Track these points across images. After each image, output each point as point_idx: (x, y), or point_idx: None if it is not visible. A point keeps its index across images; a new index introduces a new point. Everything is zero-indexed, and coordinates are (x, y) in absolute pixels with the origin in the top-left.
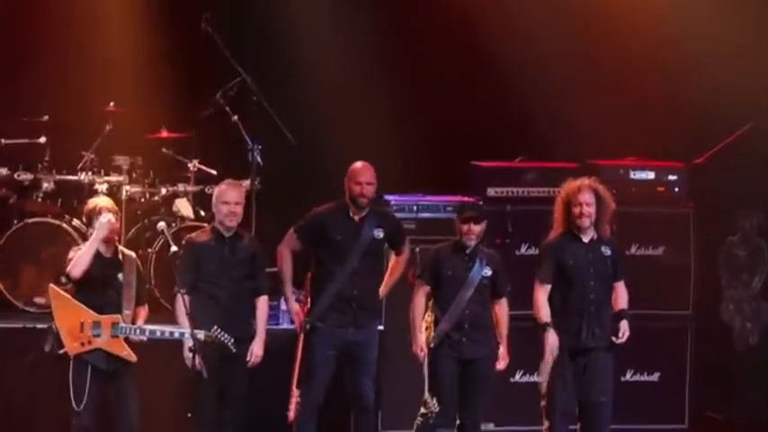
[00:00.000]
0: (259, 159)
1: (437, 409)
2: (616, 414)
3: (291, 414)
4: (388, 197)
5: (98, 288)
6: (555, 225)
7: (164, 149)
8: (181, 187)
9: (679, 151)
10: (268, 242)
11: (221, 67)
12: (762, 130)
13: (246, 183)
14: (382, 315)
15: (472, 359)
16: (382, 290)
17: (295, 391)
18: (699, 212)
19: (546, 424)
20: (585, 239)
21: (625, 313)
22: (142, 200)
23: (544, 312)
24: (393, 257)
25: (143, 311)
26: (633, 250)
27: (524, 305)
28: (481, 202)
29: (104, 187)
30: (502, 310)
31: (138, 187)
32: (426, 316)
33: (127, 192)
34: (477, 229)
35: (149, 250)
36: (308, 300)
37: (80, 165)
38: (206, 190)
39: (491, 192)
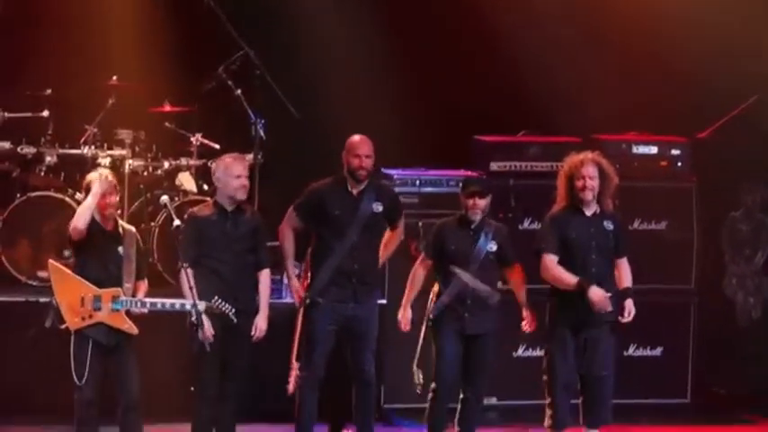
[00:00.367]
0: (262, 133)
1: (421, 383)
2: (619, 388)
3: (291, 387)
4: (390, 171)
5: (98, 262)
6: (558, 199)
7: (166, 123)
8: (184, 161)
9: (682, 126)
10: (270, 216)
11: (224, 41)
12: (766, 103)
13: (249, 157)
14: (384, 289)
15: (475, 334)
16: (383, 256)
17: (294, 364)
18: (702, 187)
19: (548, 398)
20: (588, 213)
21: (630, 291)
22: (145, 174)
23: (568, 276)
24: (387, 232)
25: (143, 286)
26: (636, 225)
27: (527, 280)
28: (484, 177)
29: (107, 161)
30: (515, 275)
31: (141, 161)
32: (434, 288)
33: (130, 166)
34: (483, 203)
35: (152, 224)
36: (308, 275)
37: (83, 138)
38: (209, 164)
39: (494, 166)
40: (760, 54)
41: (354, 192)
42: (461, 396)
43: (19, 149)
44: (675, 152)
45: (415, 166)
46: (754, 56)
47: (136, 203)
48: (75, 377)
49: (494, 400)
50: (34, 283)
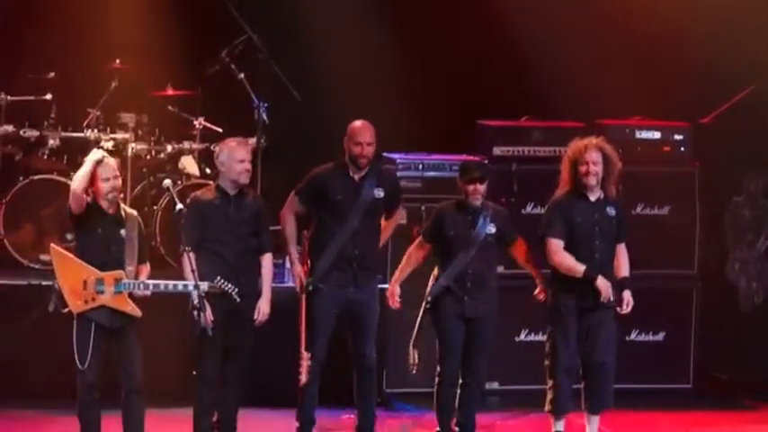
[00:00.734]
0: (265, 117)
1: (416, 362)
2: (621, 374)
3: (304, 378)
4: (393, 155)
5: (100, 245)
6: (561, 183)
7: (169, 107)
8: (186, 145)
9: (685, 111)
10: (273, 200)
11: (227, 25)
12: None
13: (252, 140)
14: (387, 274)
15: (474, 317)
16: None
17: (305, 354)
18: (704, 172)
19: (549, 382)
20: (592, 198)
21: (627, 282)
22: (148, 157)
23: (575, 263)
24: (383, 220)
25: (145, 269)
26: (639, 210)
27: None
28: (487, 161)
29: (110, 144)
30: (520, 250)
31: (144, 145)
32: (435, 270)
33: (132, 149)
34: (483, 188)
35: (155, 208)
36: (307, 260)
37: (86, 122)
38: (212, 147)
39: (497, 151)
40: (764, 40)
41: (356, 177)
42: (461, 381)
43: (22, 133)
44: (678, 137)
45: (418, 150)
46: (758, 41)
47: (138, 187)
48: (77, 361)
49: (495, 385)
50: (37, 267)
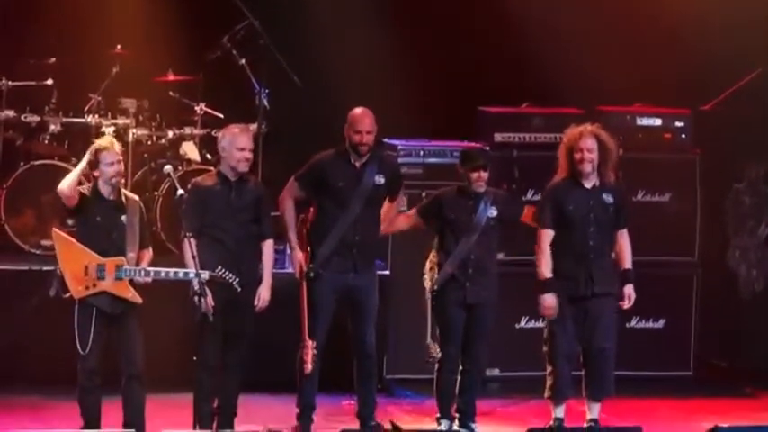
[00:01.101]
0: (266, 103)
1: (439, 356)
2: (621, 360)
3: (309, 365)
4: (394, 142)
5: (101, 231)
6: (558, 170)
7: (170, 92)
8: (187, 130)
9: (686, 98)
10: (274, 186)
11: (228, 11)
12: None
13: (253, 126)
14: (387, 260)
15: (475, 303)
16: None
17: (309, 342)
18: (705, 159)
19: (548, 368)
20: (588, 185)
21: (629, 275)
22: (149, 143)
23: (545, 266)
24: (386, 203)
25: (147, 255)
26: (639, 197)
27: (529, 251)
28: (488, 148)
29: (111, 130)
30: (527, 217)
31: (145, 130)
32: (431, 256)
33: (133, 135)
34: (486, 175)
35: (156, 193)
36: (307, 246)
37: (87, 107)
38: (213, 133)
39: (498, 137)
40: (764, 27)
41: (357, 164)
42: (461, 368)
43: (23, 118)
44: (679, 124)
45: (419, 136)
46: (759, 28)
47: (139, 173)
48: (78, 346)
49: (496, 372)
50: (38, 252)
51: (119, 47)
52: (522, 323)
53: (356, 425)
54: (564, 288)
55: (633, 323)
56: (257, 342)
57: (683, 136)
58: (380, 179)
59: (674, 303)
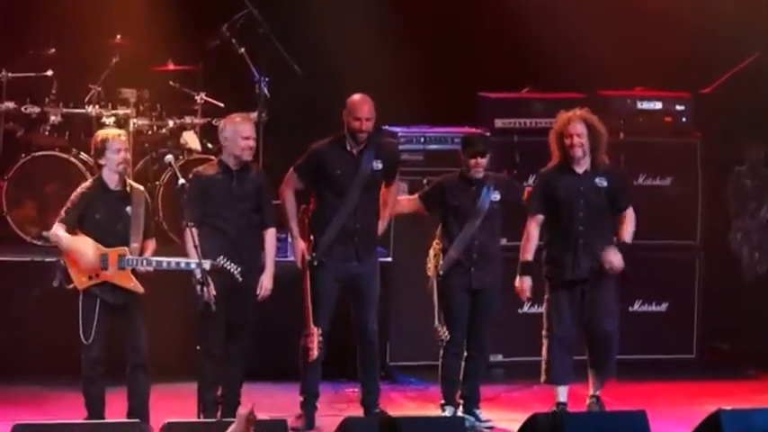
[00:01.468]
0: (266, 91)
1: (447, 338)
2: (624, 344)
3: (315, 352)
4: (395, 129)
5: (105, 222)
6: (553, 157)
7: (171, 82)
8: (188, 120)
9: (686, 81)
10: (275, 174)
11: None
12: None
13: (254, 115)
14: (390, 247)
15: (480, 288)
16: (381, 225)
17: (315, 330)
18: (706, 142)
19: (544, 352)
20: (579, 170)
21: (623, 246)
22: (149, 132)
23: (527, 250)
24: (383, 188)
25: (151, 245)
26: (641, 180)
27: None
28: (489, 134)
29: (111, 120)
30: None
31: (146, 120)
32: (435, 244)
33: (134, 124)
34: (485, 161)
35: (157, 183)
36: (309, 235)
37: (87, 98)
38: (213, 122)
39: (498, 123)
40: (764, 9)
41: (354, 151)
42: (466, 354)
43: (23, 109)
44: (680, 108)
45: (420, 123)
46: (759, 11)
47: (140, 162)
48: (82, 336)
49: (499, 357)
50: (39, 243)
51: (118, 37)
52: (525, 308)
53: (360, 412)
54: (554, 273)
55: (636, 307)
56: (260, 330)
57: (684, 119)
58: (378, 165)
59: (676, 287)
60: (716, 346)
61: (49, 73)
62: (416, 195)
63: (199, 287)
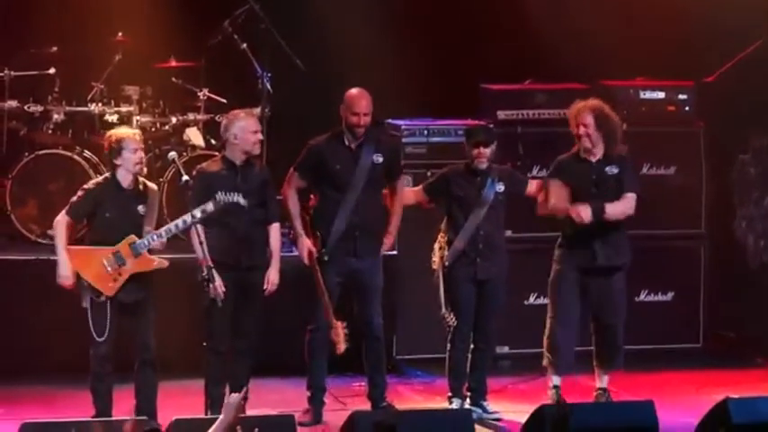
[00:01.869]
0: (269, 87)
1: (455, 323)
2: (631, 334)
3: (342, 345)
4: (398, 122)
5: (116, 220)
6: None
7: (173, 79)
8: (191, 116)
9: (689, 70)
10: (278, 169)
11: None
12: None
13: (257, 110)
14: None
15: (485, 279)
16: (395, 221)
17: (339, 323)
18: (710, 131)
19: (546, 341)
20: (593, 159)
21: (599, 207)
22: (153, 129)
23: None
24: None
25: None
26: (645, 170)
27: (537, 228)
28: (492, 125)
29: (115, 118)
30: (535, 188)
31: (149, 117)
32: (440, 237)
33: (137, 122)
34: (488, 151)
35: (161, 180)
36: (317, 232)
37: (90, 95)
38: (216, 118)
39: (501, 115)
40: None
41: (353, 146)
42: (472, 346)
43: (26, 108)
44: (683, 97)
45: (423, 115)
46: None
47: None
48: (93, 333)
49: (506, 349)
50: (45, 242)
51: (120, 34)
52: (531, 300)
53: (367, 406)
54: (564, 258)
55: (642, 297)
56: (266, 326)
57: (687, 108)
58: (379, 158)
59: (681, 276)
60: (722, 334)
61: (52, 71)
62: (420, 186)
63: (205, 284)
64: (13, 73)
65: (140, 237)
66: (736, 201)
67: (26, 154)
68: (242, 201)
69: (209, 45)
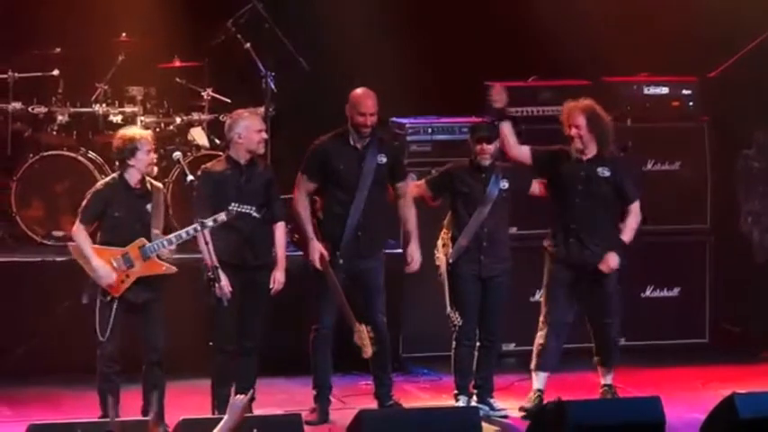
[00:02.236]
0: (273, 86)
1: (460, 323)
2: (637, 330)
3: (369, 349)
4: (402, 120)
5: (125, 219)
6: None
7: (177, 79)
8: (195, 116)
9: (692, 65)
10: (283, 169)
11: None
12: None
13: (261, 110)
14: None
15: (490, 276)
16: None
17: (363, 327)
18: (714, 126)
19: (537, 340)
20: (584, 157)
21: (619, 243)
22: (157, 130)
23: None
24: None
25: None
26: (649, 166)
27: (543, 225)
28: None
29: (119, 118)
30: (538, 187)
31: (153, 117)
32: (443, 234)
33: (141, 122)
34: (491, 147)
35: (165, 180)
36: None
37: (94, 96)
38: (220, 118)
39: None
40: None
41: (358, 146)
42: (478, 344)
43: (30, 109)
44: (687, 92)
45: (427, 113)
46: None
47: None
48: (98, 333)
49: (512, 346)
50: (50, 243)
51: (123, 35)
52: (537, 297)
53: (374, 405)
54: (550, 254)
55: (648, 293)
56: (273, 325)
57: (691, 103)
58: (382, 158)
59: (687, 271)
60: (728, 329)
61: (56, 72)
62: (423, 180)
63: (210, 284)
64: (17, 74)
65: (149, 235)
66: (741, 195)
67: (31, 155)
68: (254, 213)
69: (213, 45)
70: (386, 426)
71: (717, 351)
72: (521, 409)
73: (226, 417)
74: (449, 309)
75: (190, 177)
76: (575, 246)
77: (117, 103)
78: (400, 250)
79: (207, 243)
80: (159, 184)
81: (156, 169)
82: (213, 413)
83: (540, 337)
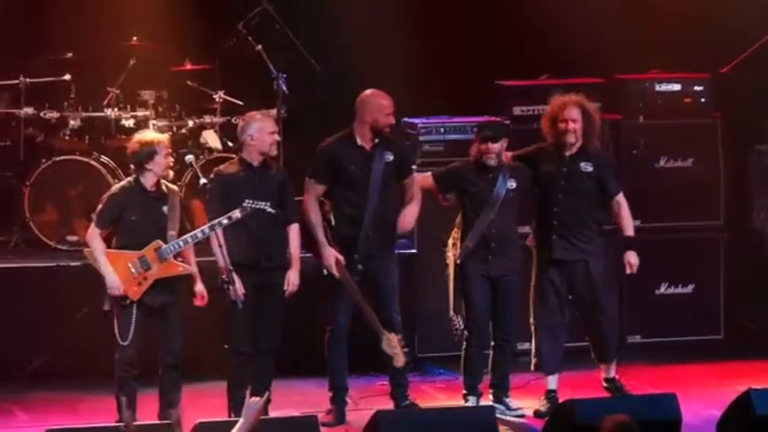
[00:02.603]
0: (284, 88)
1: (462, 327)
2: (653, 328)
3: (401, 358)
4: (414, 120)
5: (141, 222)
6: (544, 139)
7: (188, 82)
8: (207, 119)
9: (704, 61)
10: (295, 170)
11: None
12: None
13: (273, 112)
14: (415, 238)
15: (499, 276)
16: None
17: (392, 335)
18: (726, 122)
19: (533, 340)
20: (567, 153)
21: (631, 242)
22: (169, 133)
23: None
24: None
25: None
26: (662, 163)
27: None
28: (507, 122)
29: (131, 122)
30: None
31: (165, 121)
32: (454, 233)
33: (154, 126)
34: (496, 147)
35: (178, 183)
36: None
37: (106, 101)
38: (233, 120)
39: (517, 110)
40: None
41: (367, 147)
42: (492, 343)
43: (42, 114)
44: (698, 88)
45: (439, 113)
46: None
47: None
48: (118, 337)
49: (527, 345)
50: (64, 248)
51: (135, 39)
52: None
53: (390, 405)
54: (537, 254)
55: (662, 290)
56: (287, 327)
57: (703, 100)
58: (389, 157)
59: (701, 268)
60: (744, 325)
61: (67, 77)
62: (430, 173)
63: (225, 286)
64: (28, 80)
65: (165, 238)
66: (754, 191)
67: (43, 160)
68: (269, 209)
69: (224, 47)
70: (402, 426)
71: (732, 347)
72: (535, 412)
73: (241, 419)
74: (452, 312)
75: (202, 180)
76: (558, 242)
77: (129, 107)
78: (414, 250)
79: (221, 246)
80: (175, 187)
81: (171, 172)
82: (230, 416)
83: (535, 342)
